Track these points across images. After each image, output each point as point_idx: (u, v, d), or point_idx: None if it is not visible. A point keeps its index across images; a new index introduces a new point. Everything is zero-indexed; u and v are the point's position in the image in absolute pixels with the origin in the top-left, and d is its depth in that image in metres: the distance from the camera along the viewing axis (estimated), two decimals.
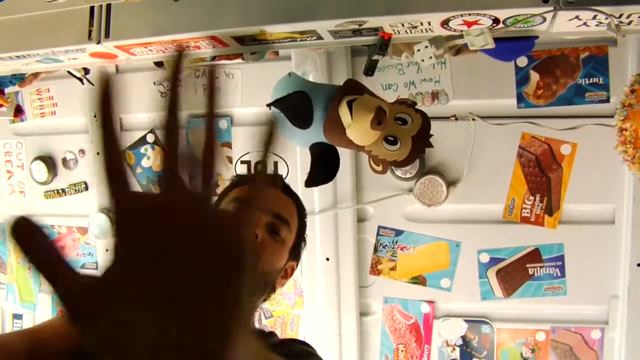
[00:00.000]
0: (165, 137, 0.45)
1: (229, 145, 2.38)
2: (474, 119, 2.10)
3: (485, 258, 2.18)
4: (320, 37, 1.49)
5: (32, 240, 0.41)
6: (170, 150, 0.45)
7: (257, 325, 1.37)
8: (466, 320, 2.23)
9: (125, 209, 0.43)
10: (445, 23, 1.37)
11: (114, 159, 0.44)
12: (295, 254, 1.35)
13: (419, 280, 2.25)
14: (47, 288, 0.42)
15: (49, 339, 1.12)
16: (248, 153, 2.35)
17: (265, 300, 1.31)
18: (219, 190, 1.35)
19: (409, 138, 1.49)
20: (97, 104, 0.44)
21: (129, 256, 0.42)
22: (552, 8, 1.26)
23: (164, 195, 0.44)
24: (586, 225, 2.10)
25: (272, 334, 1.27)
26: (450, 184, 2.15)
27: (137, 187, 0.45)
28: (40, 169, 2.62)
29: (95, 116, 0.44)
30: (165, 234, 0.42)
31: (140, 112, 2.49)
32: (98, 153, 0.44)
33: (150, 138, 2.49)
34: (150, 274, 0.41)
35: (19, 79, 2.09)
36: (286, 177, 2.29)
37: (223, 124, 2.37)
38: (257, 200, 0.48)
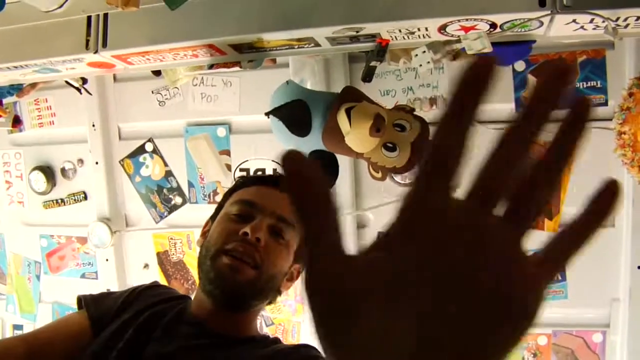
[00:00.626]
0: (513, 142, 0.39)
1: (227, 152, 2.38)
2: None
3: None
4: (317, 44, 1.49)
5: (306, 188, 0.37)
6: (499, 167, 0.39)
7: (260, 328, 1.36)
8: None
9: (427, 198, 0.38)
10: (442, 28, 1.37)
11: (455, 139, 0.38)
12: (301, 257, 1.34)
13: None
14: (305, 248, 0.37)
15: (47, 343, 1.13)
16: (247, 161, 2.35)
17: (270, 303, 1.30)
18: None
19: (408, 144, 1.49)
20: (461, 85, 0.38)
21: (409, 253, 0.36)
22: (549, 12, 1.26)
23: (474, 214, 0.38)
24: None
25: (276, 340, 1.26)
26: None
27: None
28: (39, 179, 2.62)
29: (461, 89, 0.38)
30: (463, 249, 0.36)
31: (138, 121, 2.49)
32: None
33: (148, 147, 2.49)
34: (430, 282, 0.35)
35: (17, 89, 2.09)
36: None
37: (221, 131, 2.37)
38: (571, 256, 0.41)
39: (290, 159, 0.36)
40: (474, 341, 0.35)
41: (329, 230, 0.37)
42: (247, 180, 1.39)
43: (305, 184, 0.36)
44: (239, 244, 1.18)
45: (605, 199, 0.41)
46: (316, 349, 1.16)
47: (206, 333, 1.15)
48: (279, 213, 1.25)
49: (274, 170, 2.31)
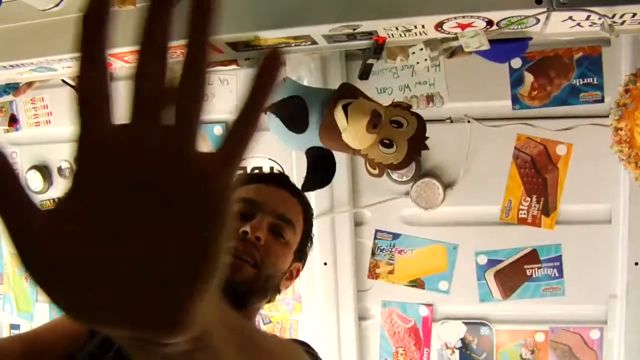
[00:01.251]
0: (146, 48, 0.39)
1: None
2: (469, 121, 2.10)
3: (483, 260, 2.18)
4: (314, 42, 1.49)
5: None
6: (150, 67, 0.39)
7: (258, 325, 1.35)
8: (465, 323, 2.23)
9: (89, 135, 0.38)
10: (439, 26, 1.37)
11: (94, 76, 0.39)
12: (300, 256, 1.34)
13: (417, 283, 2.24)
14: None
15: (44, 343, 1.12)
16: (244, 159, 2.34)
17: (269, 301, 1.30)
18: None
19: (405, 141, 1.49)
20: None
21: (88, 188, 0.38)
22: (545, 9, 1.26)
23: (134, 125, 0.38)
24: (583, 226, 2.10)
25: (274, 337, 1.26)
26: (447, 186, 2.15)
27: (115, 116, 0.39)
28: (36, 178, 2.61)
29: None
30: (134, 169, 0.37)
31: None
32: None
33: None
34: (113, 209, 0.37)
35: (13, 88, 2.09)
36: None
37: (218, 130, 2.36)
38: (244, 143, 0.41)
39: None
40: (167, 249, 0.37)
41: (22, 203, 0.38)
42: (248, 178, 1.38)
43: None
44: (238, 242, 1.17)
45: (265, 71, 0.41)
46: (308, 345, 1.16)
47: None
48: (279, 212, 1.25)
49: (272, 168, 2.31)
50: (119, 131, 0.38)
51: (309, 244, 1.37)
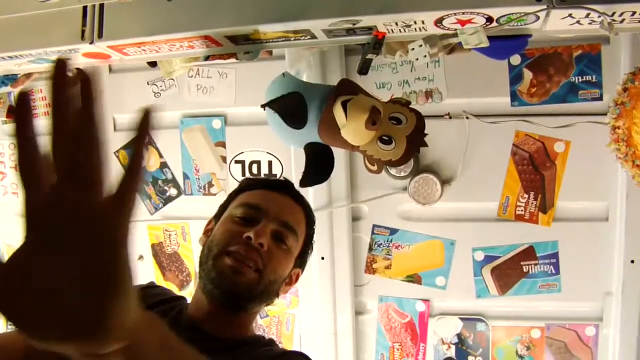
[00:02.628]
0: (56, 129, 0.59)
1: (223, 144, 2.38)
2: (467, 118, 2.11)
3: (480, 256, 2.18)
4: (314, 37, 1.49)
5: None
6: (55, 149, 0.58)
7: (255, 328, 1.36)
8: (461, 318, 2.24)
9: (33, 203, 0.52)
10: (439, 22, 1.37)
11: (31, 157, 0.57)
12: (301, 262, 1.35)
13: (414, 278, 2.25)
14: None
15: None
16: (242, 153, 2.35)
17: (267, 304, 1.31)
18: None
19: (404, 137, 1.49)
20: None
21: (34, 232, 0.51)
22: (545, 6, 1.26)
23: (58, 187, 0.53)
24: (580, 223, 2.10)
25: (271, 342, 1.27)
26: (445, 182, 2.16)
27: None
28: None
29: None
30: (61, 218, 0.50)
31: (134, 112, 2.48)
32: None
33: None
34: (51, 247, 0.49)
35: (12, 79, 2.08)
36: (281, 176, 2.29)
37: (217, 123, 2.36)
38: (131, 190, 0.57)
39: None
40: (84, 275, 0.49)
41: None
42: (253, 183, 1.40)
43: None
44: (241, 247, 1.19)
45: (141, 126, 0.61)
46: (305, 356, 1.17)
47: (203, 337, 1.15)
48: (282, 219, 1.26)
49: (270, 162, 2.31)
50: (51, 193, 0.53)
51: (309, 251, 1.38)
